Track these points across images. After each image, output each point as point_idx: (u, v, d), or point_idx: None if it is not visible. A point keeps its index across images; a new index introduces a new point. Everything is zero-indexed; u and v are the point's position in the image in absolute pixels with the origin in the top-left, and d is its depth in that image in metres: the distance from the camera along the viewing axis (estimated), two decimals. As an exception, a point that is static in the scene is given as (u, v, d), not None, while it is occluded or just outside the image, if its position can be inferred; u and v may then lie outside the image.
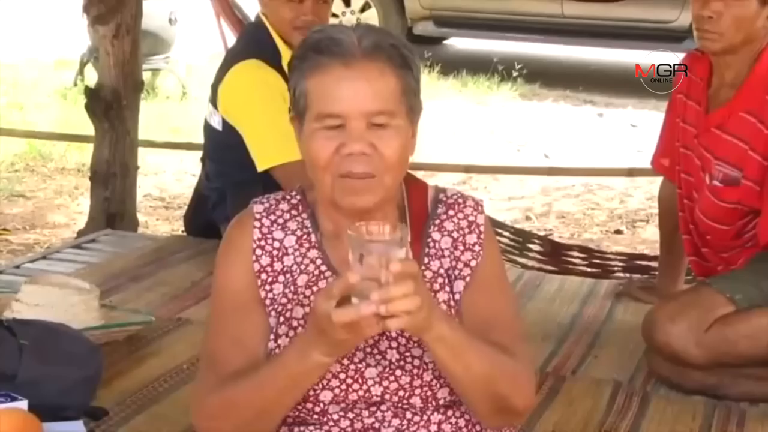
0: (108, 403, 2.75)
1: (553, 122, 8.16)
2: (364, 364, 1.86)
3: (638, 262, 4.47)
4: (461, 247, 1.93)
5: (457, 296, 1.92)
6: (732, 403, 2.94)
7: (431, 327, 1.73)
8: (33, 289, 3.10)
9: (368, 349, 1.86)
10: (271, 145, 3.54)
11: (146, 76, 6.91)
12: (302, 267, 1.92)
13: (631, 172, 5.85)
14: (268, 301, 1.91)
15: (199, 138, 4.15)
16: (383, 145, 1.82)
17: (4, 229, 5.63)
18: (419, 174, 2.39)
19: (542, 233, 5.43)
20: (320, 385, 1.85)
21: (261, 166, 3.60)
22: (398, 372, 1.86)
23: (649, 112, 8.06)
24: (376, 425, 1.87)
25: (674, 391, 3.02)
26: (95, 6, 4.67)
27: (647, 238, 5.59)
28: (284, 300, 1.90)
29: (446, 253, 1.93)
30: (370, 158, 1.82)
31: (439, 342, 1.76)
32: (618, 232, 5.88)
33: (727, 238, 3.25)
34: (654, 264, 4.02)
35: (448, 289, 1.92)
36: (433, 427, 1.89)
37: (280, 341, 1.88)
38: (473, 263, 1.93)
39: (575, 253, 4.61)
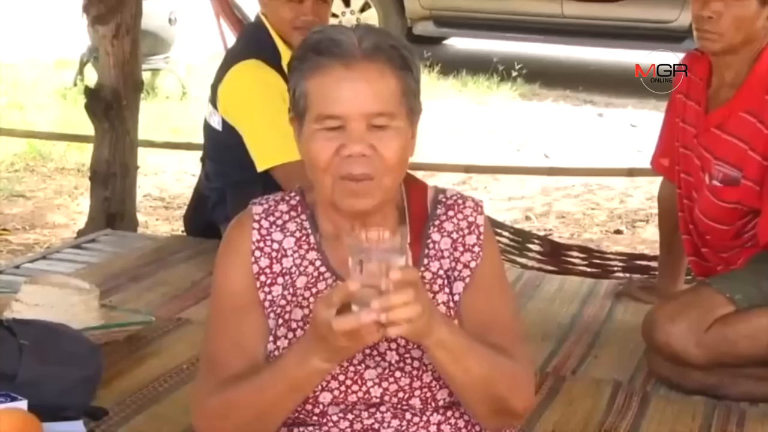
0: (108, 403, 2.75)
1: (553, 122, 8.16)
2: (363, 365, 1.86)
3: (638, 262, 4.47)
4: (461, 248, 1.93)
5: (456, 297, 1.92)
6: (732, 403, 2.94)
7: (431, 332, 1.73)
8: (33, 289, 3.10)
9: (368, 351, 1.86)
10: (270, 145, 3.54)
11: (146, 76, 6.91)
12: (301, 268, 1.91)
13: (631, 172, 5.85)
14: (267, 303, 1.90)
15: (199, 138, 4.15)
16: (383, 146, 1.82)
17: (4, 229, 5.63)
18: (419, 174, 2.40)
19: (542, 233, 5.43)
20: (320, 387, 1.84)
21: (261, 166, 3.60)
22: (398, 373, 1.86)
23: (648, 112, 8.06)
24: (376, 426, 1.87)
25: (674, 391, 3.02)
26: (95, 6, 4.67)
27: (647, 238, 5.59)
28: (283, 302, 1.90)
29: (446, 254, 1.93)
30: (370, 160, 1.82)
31: (438, 346, 1.76)
32: (618, 232, 5.88)
33: (727, 238, 3.25)
34: (654, 264, 4.02)
35: (447, 290, 1.92)
36: (433, 428, 1.89)
37: (279, 343, 1.88)
38: (473, 264, 1.93)
39: (575, 253, 4.61)
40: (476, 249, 1.93)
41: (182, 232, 4.67)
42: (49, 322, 2.82)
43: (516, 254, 4.57)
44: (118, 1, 4.64)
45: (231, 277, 1.93)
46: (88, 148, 5.17)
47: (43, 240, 5.50)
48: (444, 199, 1.97)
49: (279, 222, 1.94)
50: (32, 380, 2.55)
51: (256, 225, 1.93)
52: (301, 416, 1.88)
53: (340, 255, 1.86)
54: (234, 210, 2.09)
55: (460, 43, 10.71)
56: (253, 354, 1.88)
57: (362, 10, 9.77)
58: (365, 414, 1.87)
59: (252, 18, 4.21)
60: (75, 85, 8.27)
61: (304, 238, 1.93)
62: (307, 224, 1.94)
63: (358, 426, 1.87)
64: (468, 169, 6.54)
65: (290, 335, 1.88)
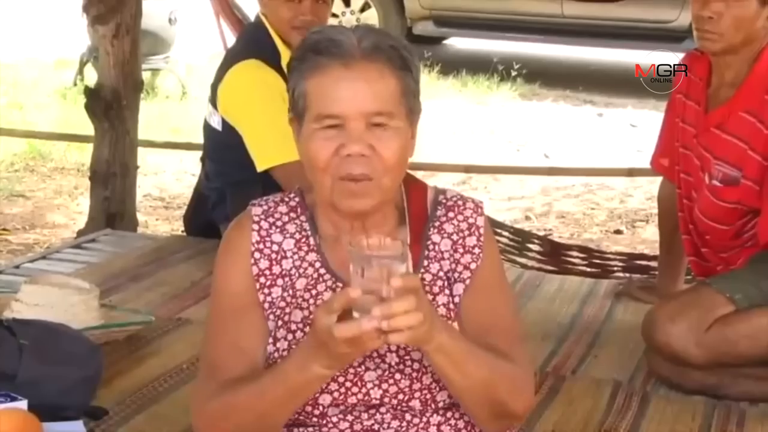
0: (108, 403, 2.75)
1: (552, 122, 8.16)
2: (363, 367, 1.86)
3: (638, 262, 4.47)
4: (461, 250, 1.93)
5: (456, 299, 1.91)
6: (732, 403, 2.94)
7: (432, 339, 1.73)
8: (33, 289, 3.10)
9: (367, 353, 1.85)
10: (270, 145, 3.54)
11: (146, 75, 6.91)
12: (301, 270, 1.91)
13: (631, 172, 5.85)
14: (266, 305, 1.90)
15: (199, 138, 4.15)
16: (382, 146, 1.82)
17: (4, 229, 5.63)
18: (419, 174, 2.40)
19: (542, 233, 5.43)
20: (319, 389, 1.84)
21: (260, 166, 3.60)
22: (397, 375, 1.86)
23: (648, 112, 8.06)
24: (376, 427, 1.87)
25: (674, 390, 3.02)
26: (95, 6, 4.67)
27: (647, 238, 5.59)
28: (283, 303, 1.90)
29: (446, 255, 1.93)
30: (369, 160, 1.82)
31: (438, 351, 1.76)
32: (618, 232, 5.88)
33: (727, 237, 3.25)
34: (654, 264, 4.02)
35: (447, 292, 1.91)
36: (433, 429, 1.89)
37: (278, 345, 1.88)
38: (473, 266, 1.92)
39: (575, 253, 4.61)
40: (476, 250, 1.93)
41: (182, 232, 4.67)
42: (49, 322, 2.82)
43: (516, 254, 4.57)
44: (118, 1, 4.64)
45: (230, 279, 1.92)
46: (88, 148, 5.17)
47: (43, 240, 5.50)
48: (444, 200, 1.97)
49: (279, 223, 1.94)
50: (32, 380, 2.55)
51: (255, 226, 1.93)
52: (301, 417, 1.88)
53: (340, 257, 1.86)
54: (234, 210, 2.09)
55: (460, 43, 10.71)
56: (253, 356, 1.88)
57: (362, 10, 9.77)
58: (365, 415, 1.87)
59: (252, 18, 4.21)
60: (75, 84, 8.27)
61: (303, 239, 1.93)
62: (306, 226, 1.94)
63: (357, 427, 1.87)
64: (468, 169, 6.54)
65: (290, 337, 1.88)
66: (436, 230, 1.94)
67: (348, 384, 1.86)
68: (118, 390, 2.87)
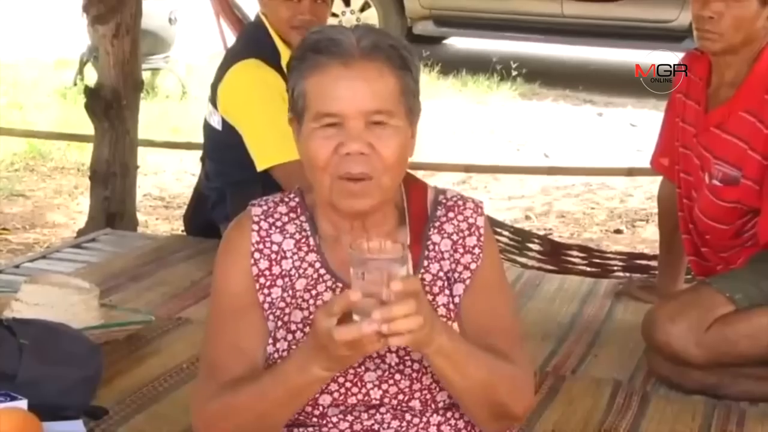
0: (108, 403, 2.75)
1: (552, 122, 8.16)
2: (363, 368, 1.85)
3: (638, 261, 4.47)
4: (461, 250, 1.93)
5: (456, 299, 1.91)
6: (732, 403, 2.94)
7: (432, 341, 1.73)
8: (33, 288, 3.10)
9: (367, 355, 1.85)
10: (270, 145, 3.54)
11: (146, 75, 6.91)
12: (301, 271, 1.91)
13: (631, 172, 5.85)
14: (266, 305, 1.90)
15: (199, 137, 4.15)
16: (381, 145, 1.82)
17: (4, 229, 5.63)
18: (419, 173, 2.40)
19: (542, 233, 5.43)
20: (319, 389, 1.84)
21: (260, 166, 3.60)
22: (397, 376, 1.86)
23: (648, 111, 8.06)
24: (376, 427, 1.87)
25: (674, 390, 3.02)
26: (95, 6, 4.67)
27: (647, 238, 5.59)
28: (282, 304, 1.90)
29: (446, 255, 1.93)
30: (369, 158, 1.82)
31: (438, 353, 1.76)
32: (618, 231, 5.88)
33: (727, 237, 3.25)
34: (654, 263, 4.02)
35: (447, 292, 1.91)
36: (433, 429, 1.89)
37: (278, 345, 1.88)
38: (473, 266, 1.92)
39: (575, 253, 4.61)
40: (476, 251, 1.93)
41: (182, 231, 4.67)
42: (49, 322, 2.82)
43: (516, 254, 4.57)
44: (118, 0, 4.64)
45: (230, 279, 1.92)
46: (88, 148, 5.17)
47: (43, 239, 5.51)
48: (444, 200, 1.97)
49: (278, 224, 1.94)
50: (32, 380, 2.55)
51: (255, 227, 1.93)
52: (301, 418, 1.88)
53: (340, 257, 1.86)
54: (234, 209, 2.09)
55: (460, 42, 10.71)
56: (253, 356, 1.88)
57: (362, 9, 9.78)
58: (365, 415, 1.87)
59: (252, 18, 4.21)
60: (75, 84, 8.27)
61: (303, 240, 1.93)
62: (306, 226, 1.93)
63: (357, 427, 1.87)
64: (468, 168, 6.54)
65: (290, 337, 1.88)
66: (436, 230, 1.94)
67: (348, 384, 1.85)
68: (118, 389, 2.87)
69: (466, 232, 1.94)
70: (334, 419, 1.87)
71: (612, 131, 7.94)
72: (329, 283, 1.90)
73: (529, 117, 8.27)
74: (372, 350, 1.71)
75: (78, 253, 4.18)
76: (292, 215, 1.94)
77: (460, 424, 1.90)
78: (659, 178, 3.66)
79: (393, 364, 1.86)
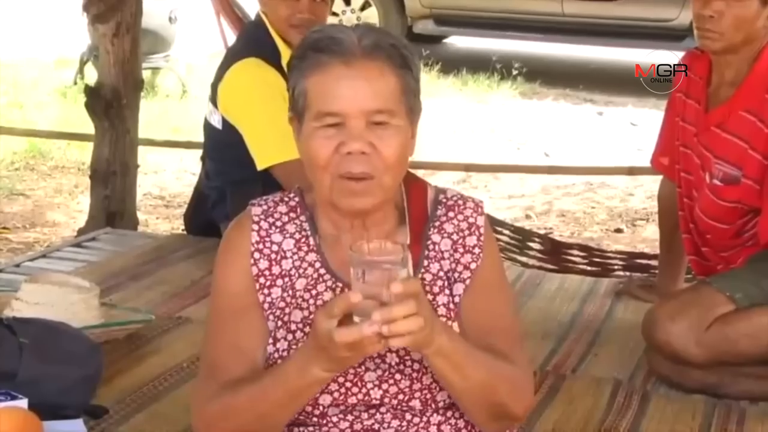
0: (108, 402, 2.75)
1: (553, 121, 8.16)
2: (363, 367, 1.85)
3: (638, 260, 4.46)
4: (461, 250, 1.93)
5: (456, 299, 1.91)
6: (732, 402, 2.94)
7: (432, 343, 1.73)
8: (33, 287, 3.10)
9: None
10: (270, 144, 3.54)
11: (146, 74, 6.90)
12: (301, 270, 1.91)
13: (632, 171, 5.85)
14: (266, 305, 1.90)
15: (199, 137, 4.15)
16: (382, 144, 1.82)
17: (4, 228, 5.63)
18: (419, 173, 2.39)
19: (542, 232, 5.43)
20: (320, 390, 1.84)
21: (261, 165, 3.60)
22: (398, 375, 1.86)
23: (649, 110, 8.06)
24: (376, 427, 1.87)
25: (674, 389, 3.02)
26: (95, 5, 4.67)
27: (647, 237, 5.59)
28: (282, 304, 1.90)
29: (446, 255, 1.92)
30: (369, 158, 1.81)
31: (438, 354, 1.76)
32: (618, 230, 5.88)
33: (727, 236, 3.25)
34: (654, 263, 4.02)
35: (447, 291, 1.91)
36: (433, 429, 1.89)
37: (278, 345, 1.88)
38: (473, 266, 1.92)
39: (575, 252, 4.61)
40: (476, 250, 1.93)
41: (182, 230, 4.67)
42: (49, 321, 2.82)
43: (516, 253, 4.57)
44: (118, -1, 4.65)
45: (230, 279, 1.92)
46: (88, 147, 5.17)
47: (43, 238, 5.51)
48: (444, 200, 1.96)
49: (278, 223, 1.93)
50: (32, 379, 2.55)
51: (255, 226, 1.93)
52: (301, 417, 1.88)
53: (340, 257, 1.86)
54: (234, 209, 2.09)
55: (460, 41, 10.71)
56: (253, 357, 1.88)
57: (362, 8, 9.78)
58: (365, 415, 1.87)
59: (252, 16, 4.21)
60: (75, 83, 8.27)
61: (303, 239, 1.92)
62: (306, 226, 1.93)
63: (358, 427, 1.87)
64: (468, 167, 6.54)
65: (290, 337, 1.88)
66: (436, 230, 1.94)
67: (348, 384, 1.85)
68: (118, 389, 2.87)
69: (466, 232, 1.93)
70: (335, 419, 1.87)
71: (612, 130, 7.94)
72: (329, 283, 1.90)
73: (530, 116, 8.27)
74: (372, 351, 1.71)
75: (78, 252, 4.18)
76: (292, 215, 1.94)
77: (461, 423, 1.90)
78: (659, 178, 3.66)
79: (393, 363, 1.86)
